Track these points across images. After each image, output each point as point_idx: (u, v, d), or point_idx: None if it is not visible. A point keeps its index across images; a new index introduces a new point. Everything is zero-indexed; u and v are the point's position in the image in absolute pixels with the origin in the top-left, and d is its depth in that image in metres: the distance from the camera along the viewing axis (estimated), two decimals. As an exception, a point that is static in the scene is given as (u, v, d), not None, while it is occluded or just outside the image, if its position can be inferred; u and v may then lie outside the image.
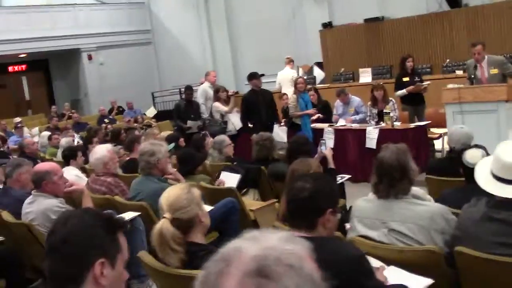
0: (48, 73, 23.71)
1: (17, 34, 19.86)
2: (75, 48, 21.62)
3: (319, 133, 10.38)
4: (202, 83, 13.26)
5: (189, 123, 12.00)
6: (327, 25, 17.20)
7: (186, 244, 3.02)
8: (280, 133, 10.42)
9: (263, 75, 11.88)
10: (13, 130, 16.09)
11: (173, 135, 9.05)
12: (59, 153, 10.82)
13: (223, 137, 8.33)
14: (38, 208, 4.75)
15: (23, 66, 22.91)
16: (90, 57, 21.90)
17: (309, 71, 16.85)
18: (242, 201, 6.10)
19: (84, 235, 1.96)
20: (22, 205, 5.20)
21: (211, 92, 12.25)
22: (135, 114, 18.77)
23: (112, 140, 11.12)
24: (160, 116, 18.95)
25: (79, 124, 17.03)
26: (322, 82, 16.34)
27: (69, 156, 7.51)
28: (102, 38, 21.95)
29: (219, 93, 11.52)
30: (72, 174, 7.14)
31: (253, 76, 10.54)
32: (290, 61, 14.46)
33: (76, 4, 22.09)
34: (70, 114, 19.11)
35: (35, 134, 16.16)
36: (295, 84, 10.92)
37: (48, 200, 4.77)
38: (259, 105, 10.39)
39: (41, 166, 4.96)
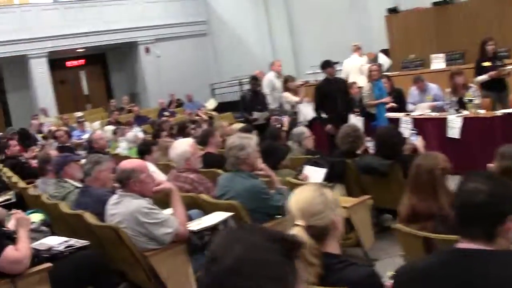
0: (105, 67, 23.64)
1: (74, 29, 19.89)
2: (132, 41, 21.47)
3: (394, 122, 9.89)
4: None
5: (256, 114, 11.57)
6: (393, 11, 16.50)
7: (321, 256, 2.55)
8: (357, 123, 9.89)
9: (337, 62, 11.35)
10: (75, 124, 15.96)
11: (247, 127, 8.58)
12: (121, 148, 10.53)
13: (302, 129, 7.88)
14: (126, 210, 4.33)
15: (81, 61, 22.86)
16: (147, 50, 21.69)
17: (374, 59, 16.18)
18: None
19: (259, 264, 1.41)
20: (102, 205, 4.82)
21: (277, 82, 11.84)
22: (194, 106, 18.46)
23: (178, 134, 10.79)
24: (220, 108, 18.58)
25: (140, 117, 16.80)
26: (388, 69, 15.69)
27: (144, 151, 7.12)
28: (158, 31, 21.74)
29: (288, 82, 11.07)
30: (148, 170, 6.77)
31: (327, 64, 10.03)
32: (358, 49, 13.92)
33: (131, -4, 21.99)
34: (130, 108, 18.93)
35: (96, 129, 16.00)
36: (369, 71, 10.41)
37: (136, 201, 4.35)
38: (334, 94, 9.89)
39: (127, 163, 4.53)
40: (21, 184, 7.69)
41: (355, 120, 10.01)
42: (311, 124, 10.57)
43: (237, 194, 4.98)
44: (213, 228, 4.60)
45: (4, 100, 21.57)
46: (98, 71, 23.53)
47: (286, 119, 10.61)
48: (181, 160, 5.70)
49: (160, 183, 4.55)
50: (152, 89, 21.61)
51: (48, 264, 4.13)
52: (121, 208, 4.39)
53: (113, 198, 4.56)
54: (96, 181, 5.22)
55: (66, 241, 4.49)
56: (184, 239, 4.44)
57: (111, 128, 12.20)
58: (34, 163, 10.68)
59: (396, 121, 9.93)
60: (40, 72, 19.61)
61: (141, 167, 4.43)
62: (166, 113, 17.27)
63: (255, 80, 12.16)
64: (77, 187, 5.79)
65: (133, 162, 4.53)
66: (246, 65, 19.62)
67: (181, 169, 5.70)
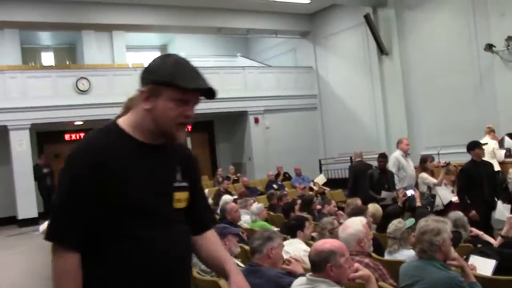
0: (212, 134, 23.60)
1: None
2: (242, 111, 21.31)
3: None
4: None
5: (384, 194, 10.90)
6: (524, 91, 15.60)
7: None
8: (504, 211, 9.06)
9: (486, 144, 10.60)
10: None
11: (396, 209, 7.86)
12: (243, 220, 9.97)
13: (461, 214, 7.13)
14: (321, 299, 3.73)
15: (188, 127, 22.79)
16: (256, 120, 21.47)
17: (500, 143, 15.23)
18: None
19: None
20: (275, 288, 4.28)
21: (403, 161, 11.20)
22: (303, 181, 17.93)
23: (302, 209, 10.22)
24: (328, 184, 17.91)
25: (249, 188, 16.32)
26: (514, 154, 14.66)
27: (296, 227, 6.55)
28: (269, 102, 21.55)
29: (426, 163, 10.40)
30: (300, 249, 6.19)
31: (475, 145, 9.29)
32: (491, 131, 13.18)
33: (246, 66, 21.98)
34: (236, 178, 18.58)
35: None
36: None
37: (333, 289, 3.75)
38: (481, 179, 9.12)
39: (324, 243, 3.92)
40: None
41: (503, 208, 9.20)
42: (446, 209, 9.82)
43: (431, 286, 4.32)
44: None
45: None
46: (204, 138, 23.47)
47: (416, 193, 10.03)
48: (353, 241, 5.10)
49: (357, 269, 3.94)
50: (258, 160, 21.27)
51: None
52: (314, 296, 3.79)
53: (299, 283, 3.97)
54: (267, 259, 4.67)
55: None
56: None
57: (230, 198, 11.67)
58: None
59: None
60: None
61: (342, 249, 3.84)
62: (274, 186, 16.80)
63: (384, 158, 11.52)
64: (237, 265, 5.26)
65: (332, 243, 3.91)
66: (356, 142, 19.08)
67: (352, 251, 5.09)
